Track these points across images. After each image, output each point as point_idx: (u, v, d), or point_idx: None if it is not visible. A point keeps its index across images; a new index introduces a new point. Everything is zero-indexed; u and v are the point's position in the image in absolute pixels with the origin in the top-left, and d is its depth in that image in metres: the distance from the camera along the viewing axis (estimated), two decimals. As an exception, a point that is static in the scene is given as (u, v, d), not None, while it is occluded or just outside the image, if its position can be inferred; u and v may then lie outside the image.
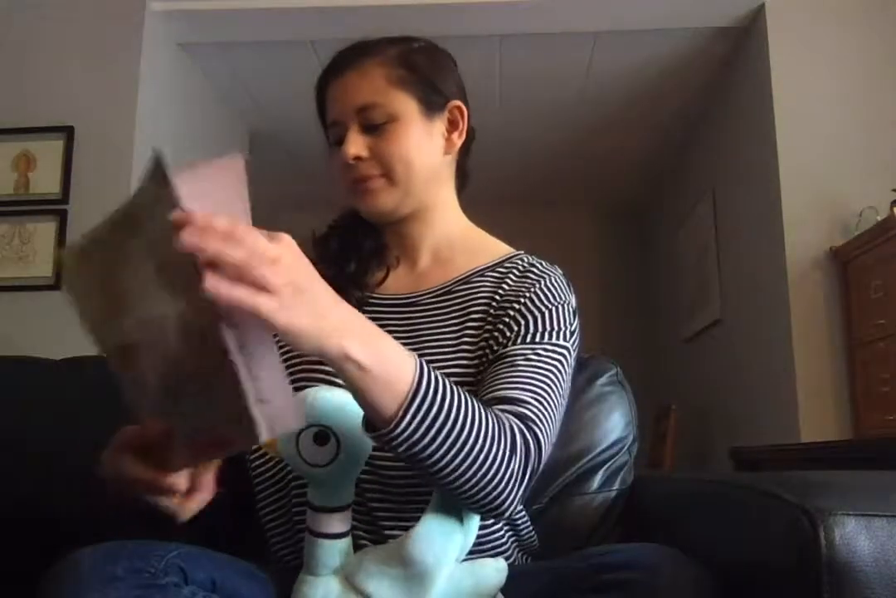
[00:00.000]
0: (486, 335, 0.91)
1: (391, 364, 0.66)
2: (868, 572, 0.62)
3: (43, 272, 2.75)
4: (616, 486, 1.16)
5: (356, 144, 0.93)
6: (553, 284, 0.95)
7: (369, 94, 0.93)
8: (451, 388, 0.71)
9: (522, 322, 0.90)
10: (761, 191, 3.08)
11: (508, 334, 0.89)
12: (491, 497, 0.74)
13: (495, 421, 0.74)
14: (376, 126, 0.93)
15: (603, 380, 1.23)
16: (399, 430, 0.67)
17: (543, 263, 1.00)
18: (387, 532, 0.85)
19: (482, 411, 0.73)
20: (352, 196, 0.97)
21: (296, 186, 4.89)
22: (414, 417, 0.67)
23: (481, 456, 0.71)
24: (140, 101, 2.94)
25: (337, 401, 0.76)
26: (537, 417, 0.81)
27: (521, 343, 0.88)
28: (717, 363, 3.85)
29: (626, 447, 1.17)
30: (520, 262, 0.99)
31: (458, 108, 0.99)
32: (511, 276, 0.96)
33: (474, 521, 0.81)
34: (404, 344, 0.81)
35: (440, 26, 3.02)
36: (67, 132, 2.88)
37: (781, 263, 2.85)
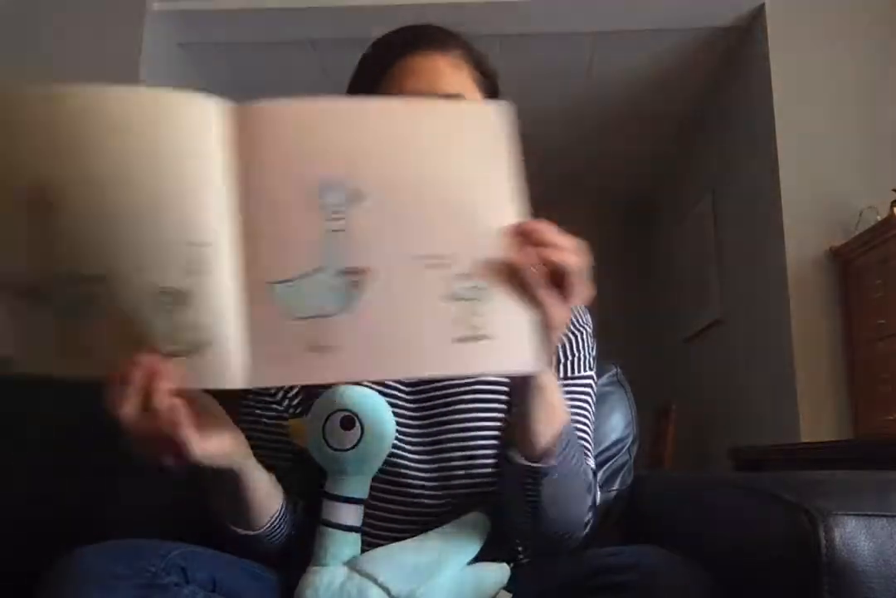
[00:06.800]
0: None
1: (558, 396, 0.76)
2: (868, 572, 0.62)
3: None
4: (616, 486, 1.15)
5: None
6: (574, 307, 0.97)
7: (459, 86, 0.91)
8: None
9: None
10: (761, 191, 3.08)
11: None
12: (574, 527, 0.83)
13: (581, 462, 0.83)
14: None
15: (603, 380, 1.22)
16: (556, 460, 0.76)
17: None
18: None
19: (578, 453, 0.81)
20: None
21: (296, 185, 4.88)
22: (562, 450, 0.76)
23: (580, 490, 0.82)
24: (140, 100, 2.93)
25: (365, 392, 0.83)
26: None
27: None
28: (717, 363, 3.85)
29: (626, 447, 1.17)
30: None
31: None
32: None
33: (485, 531, 0.82)
34: None
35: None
36: (67, 132, 2.88)
37: (781, 262, 2.85)
